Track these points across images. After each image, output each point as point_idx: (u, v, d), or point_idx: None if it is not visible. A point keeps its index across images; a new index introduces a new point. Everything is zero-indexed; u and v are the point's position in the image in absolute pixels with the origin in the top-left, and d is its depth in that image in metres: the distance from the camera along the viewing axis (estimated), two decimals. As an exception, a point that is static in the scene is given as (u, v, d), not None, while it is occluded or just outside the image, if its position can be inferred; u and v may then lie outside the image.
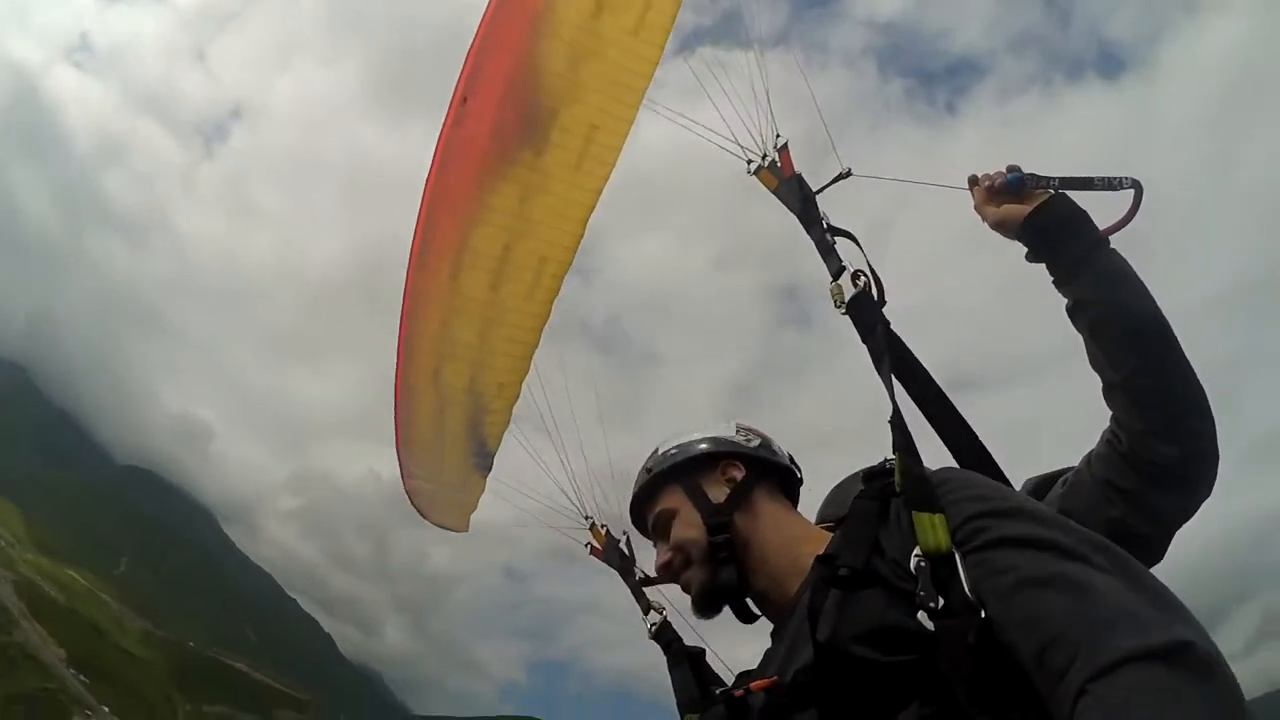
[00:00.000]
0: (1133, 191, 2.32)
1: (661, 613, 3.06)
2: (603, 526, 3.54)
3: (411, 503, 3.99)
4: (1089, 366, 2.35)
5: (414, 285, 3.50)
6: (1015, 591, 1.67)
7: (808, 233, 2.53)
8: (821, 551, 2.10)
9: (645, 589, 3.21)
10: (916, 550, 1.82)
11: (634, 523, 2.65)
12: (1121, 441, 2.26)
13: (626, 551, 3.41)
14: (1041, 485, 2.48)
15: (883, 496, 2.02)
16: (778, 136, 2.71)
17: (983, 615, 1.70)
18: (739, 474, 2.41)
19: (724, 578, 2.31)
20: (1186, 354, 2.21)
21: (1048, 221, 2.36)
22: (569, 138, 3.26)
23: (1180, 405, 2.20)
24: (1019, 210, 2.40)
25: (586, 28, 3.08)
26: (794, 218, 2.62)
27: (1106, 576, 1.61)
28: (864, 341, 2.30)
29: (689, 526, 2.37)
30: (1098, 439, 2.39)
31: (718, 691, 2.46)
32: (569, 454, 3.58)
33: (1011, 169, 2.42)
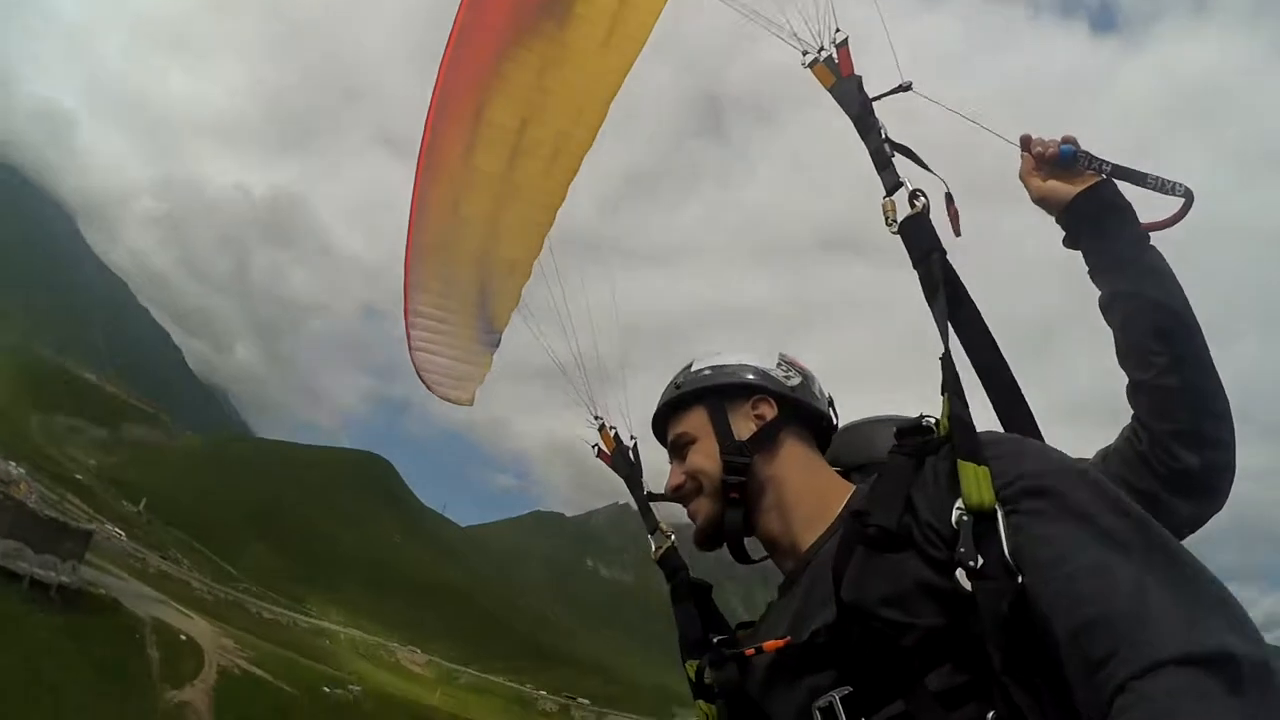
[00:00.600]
0: (1183, 201, 2.26)
1: (670, 537, 2.86)
2: (612, 429, 3.32)
3: (418, 375, 3.96)
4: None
5: (426, 157, 3.37)
6: (1058, 565, 1.59)
7: (863, 139, 2.37)
8: (842, 506, 2.08)
9: (653, 505, 3.00)
10: (959, 504, 1.72)
11: (655, 432, 2.53)
12: (1141, 441, 2.23)
13: (634, 459, 3.21)
14: None
15: (919, 454, 1.92)
16: (837, 31, 2.50)
17: (1019, 581, 1.62)
18: (770, 413, 2.27)
19: (729, 520, 2.23)
20: (1215, 363, 2.20)
21: (1092, 207, 2.30)
22: (594, 11, 3.12)
23: (1204, 411, 2.18)
24: (1066, 190, 2.33)
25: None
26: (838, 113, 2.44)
27: (1161, 566, 1.54)
28: (915, 268, 2.15)
29: (706, 457, 2.27)
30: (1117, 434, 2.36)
31: (717, 640, 2.36)
32: (581, 347, 3.41)
33: (1067, 140, 2.34)
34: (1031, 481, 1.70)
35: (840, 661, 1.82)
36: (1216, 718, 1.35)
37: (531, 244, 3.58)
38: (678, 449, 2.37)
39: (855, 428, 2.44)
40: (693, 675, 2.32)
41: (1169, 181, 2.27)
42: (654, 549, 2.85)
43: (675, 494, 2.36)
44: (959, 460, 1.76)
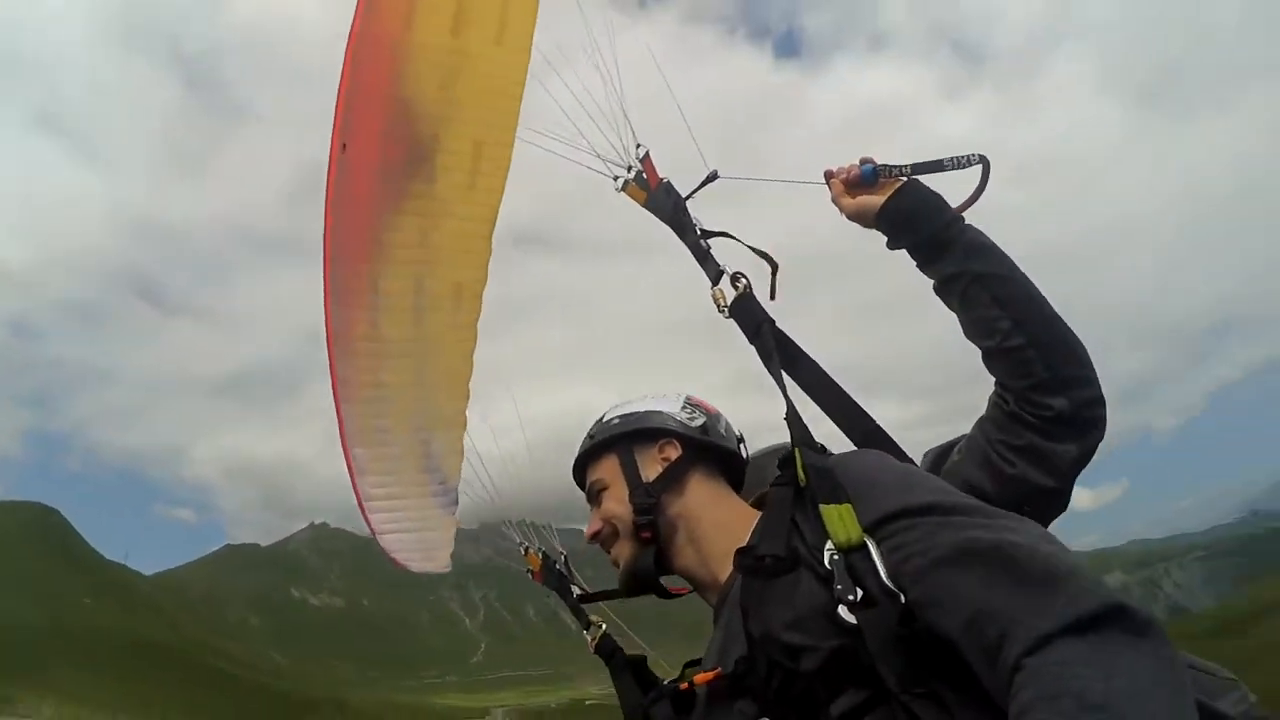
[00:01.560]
0: (980, 169, 2.38)
1: (602, 627, 3.01)
2: (539, 550, 3.49)
3: (389, 558, 3.93)
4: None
5: (335, 344, 3.41)
6: (934, 571, 1.70)
7: (682, 240, 2.53)
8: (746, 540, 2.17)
9: (584, 604, 3.18)
10: (829, 545, 1.84)
11: (576, 481, 2.68)
12: (1008, 402, 2.32)
13: (565, 571, 3.39)
14: (940, 455, 2.55)
15: (797, 483, 2.04)
16: (638, 146, 2.67)
17: (904, 600, 1.73)
18: (675, 454, 2.42)
19: (642, 563, 2.36)
20: (1056, 308, 2.31)
21: (900, 208, 2.40)
22: (457, 159, 3.24)
23: (1058, 356, 2.27)
24: (873, 201, 2.43)
25: (448, 47, 3.05)
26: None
27: (1024, 547, 1.64)
28: (751, 343, 2.34)
29: (618, 501, 2.42)
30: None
31: (666, 682, 2.47)
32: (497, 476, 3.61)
33: (864, 161, 2.46)
34: (893, 503, 1.84)
35: (754, 691, 1.92)
36: (1115, 672, 1.42)
37: (458, 393, 3.67)
38: (593, 496, 2.54)
39: (754, 460, 2.58)
40: None
41: (962, 158, 2.40)
42: (590, 641, 2.98)
43: (595, 539, 2.52)
44: (821, 505, 1.90)
